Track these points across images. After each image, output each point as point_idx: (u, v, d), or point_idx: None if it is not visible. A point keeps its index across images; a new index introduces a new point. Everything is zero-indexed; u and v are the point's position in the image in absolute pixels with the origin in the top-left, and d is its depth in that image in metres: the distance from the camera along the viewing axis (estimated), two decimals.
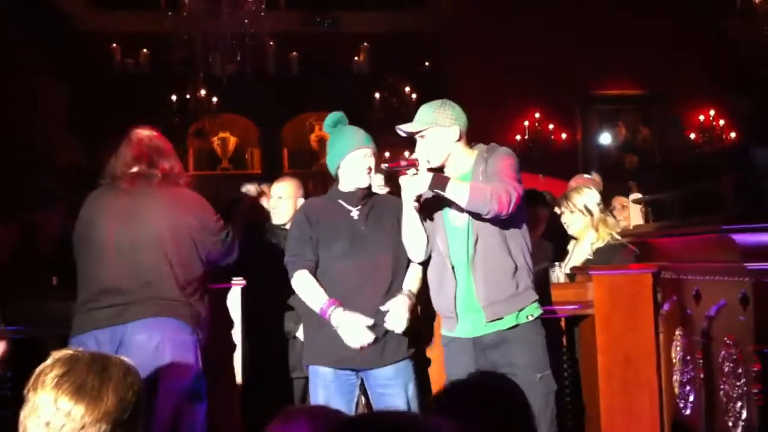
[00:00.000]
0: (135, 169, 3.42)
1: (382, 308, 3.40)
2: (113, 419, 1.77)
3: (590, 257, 4.27)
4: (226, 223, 3.55)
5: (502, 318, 3.33)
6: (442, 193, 3.24)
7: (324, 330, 3.40)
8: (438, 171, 3.45)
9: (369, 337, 3.33)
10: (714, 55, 9.06)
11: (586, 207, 4.28)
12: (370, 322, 3.36)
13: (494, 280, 3.33)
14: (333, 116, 3.62)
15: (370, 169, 3.50)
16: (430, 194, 3.41)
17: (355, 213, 3.54)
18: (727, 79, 9.08)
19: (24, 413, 1.79)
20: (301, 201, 4.36)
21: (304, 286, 3.46)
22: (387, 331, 3.42)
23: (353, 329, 3.33)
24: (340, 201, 3.56)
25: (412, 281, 3.54)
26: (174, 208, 3.40)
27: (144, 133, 3.54)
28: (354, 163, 3.50)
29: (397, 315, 3.38)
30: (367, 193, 3.52)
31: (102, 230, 3.35)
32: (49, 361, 1.82)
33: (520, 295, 3.35)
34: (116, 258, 3.30)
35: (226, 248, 3.53)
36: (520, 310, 3.35)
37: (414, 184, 3.28)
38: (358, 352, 3.36)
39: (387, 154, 3.62)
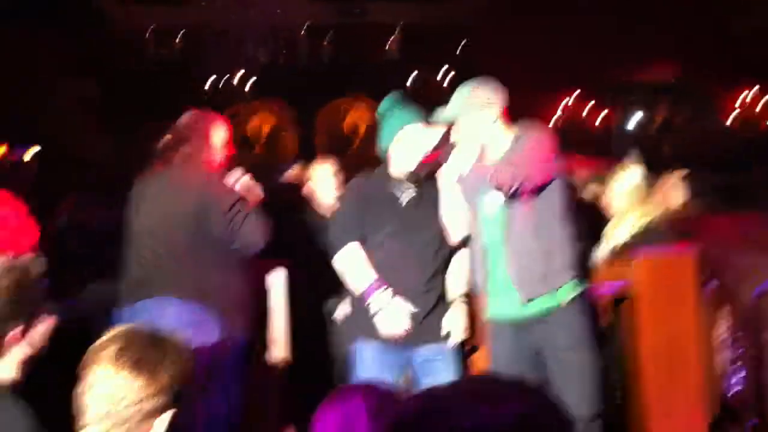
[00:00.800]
0: (160, 153, 3.56)
1: (443, 333, 3.46)
2: (171, 392, 1.80)
3: (633, 237, 4.21)
4: (237, 205, 3.41)
5: (537, 298, 3.33)
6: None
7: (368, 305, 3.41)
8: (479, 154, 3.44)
9: (404, 327, 3.35)
10: (751, 41, 8.93)
11: (628, 186, 4.23)
12: (414, 309, 3.38)
13: (527, 261, 3.33)
14: (388, 99, 3.61)
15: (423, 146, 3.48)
16: (465, 175, 3.42)
17: (404, 195, 3.53)
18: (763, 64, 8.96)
19: (82, 389, 1.82)
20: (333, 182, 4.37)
21: (352, 261, 3.47)
22: (431, 311, 3.45)
23: (395, 316, 3.35)
24: (390, 181, 3.56)
25: (461, 280, 3.56)
26: (175, 188, 3.44)
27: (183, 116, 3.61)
28: (405, 143, 3.49)
29: (457, 330, 3.49)
30: (417, 177, 3.51)
31: (127, 217, 3.51)
32: (106, 337, 1.86)
33: (554, 276, 3.34)
34: (130, 242, 3.45)
35: (236, 229, 3.38)
36: (557, 290, 3.34)
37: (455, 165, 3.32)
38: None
39: None
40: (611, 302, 4.22)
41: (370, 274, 3.42)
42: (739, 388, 3.74)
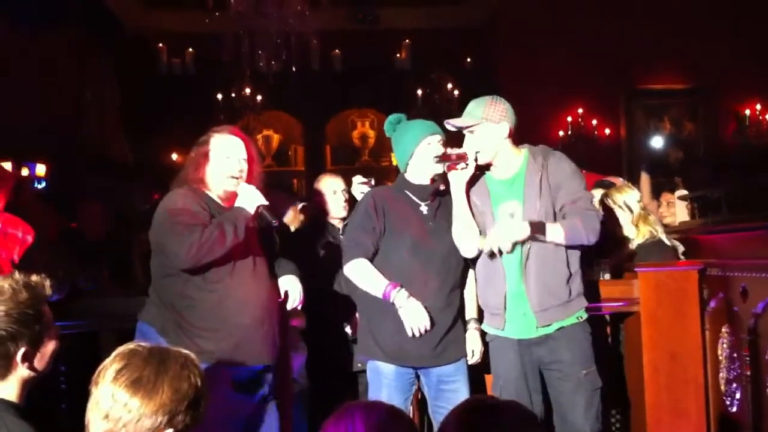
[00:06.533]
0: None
1: (464, 354, 3.49)
2: (169, 410, 1.83)
3: (636, 253, 4.24)
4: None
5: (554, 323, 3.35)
6: (542, 236, 3.26)
7: (385, 325, 3.38)
8: (485, 168, 3.46)
9: (427, 324, 3.30)
10: (760, 50, 8.92)
11: (625, 203, 4.27)
12: (429, 328, 3.35)
13: (548, 287, 3.32)
14: (394, 116, 3.59)
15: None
16: (477, 192, 3.44)
17: (424, 208, 3.50)
18: None
19: (89, 406, 1.86)
20: (344, 195, 4.38)
21: (363, 272, 3.40)
22: (448, 330, 3.43)
23: (416, 312, 3.30)
24: (409, 193, 3.51)
25: (473, 303, 3.57)
26: None
27: None
28: (429, 150, 3.45)
29: (477, 351, 3.52)
30: (436, 190, 3.51)
31: None
32: (111, 356, 1.90)
33: (572, 302, 3.36)
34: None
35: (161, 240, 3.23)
36: (574, 314, 3.37)
37: (513, 232, 3.26)
38: (419, 348, 3.35)
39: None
40: (615, 318, 4.25)
41: (382, 280, 3.36)
42: (739, 406, 3.74)
